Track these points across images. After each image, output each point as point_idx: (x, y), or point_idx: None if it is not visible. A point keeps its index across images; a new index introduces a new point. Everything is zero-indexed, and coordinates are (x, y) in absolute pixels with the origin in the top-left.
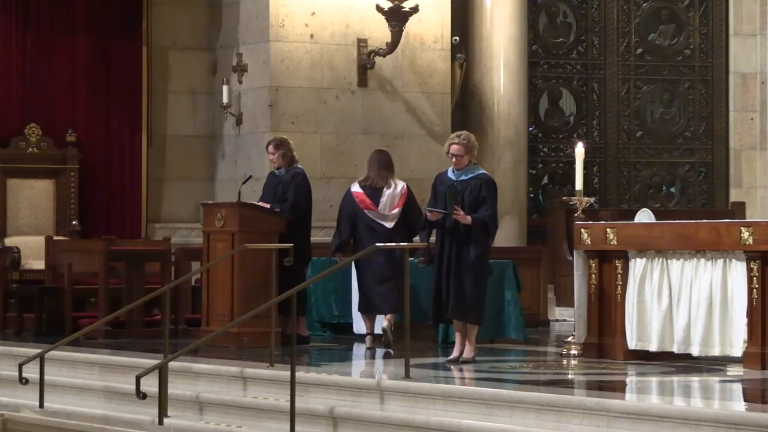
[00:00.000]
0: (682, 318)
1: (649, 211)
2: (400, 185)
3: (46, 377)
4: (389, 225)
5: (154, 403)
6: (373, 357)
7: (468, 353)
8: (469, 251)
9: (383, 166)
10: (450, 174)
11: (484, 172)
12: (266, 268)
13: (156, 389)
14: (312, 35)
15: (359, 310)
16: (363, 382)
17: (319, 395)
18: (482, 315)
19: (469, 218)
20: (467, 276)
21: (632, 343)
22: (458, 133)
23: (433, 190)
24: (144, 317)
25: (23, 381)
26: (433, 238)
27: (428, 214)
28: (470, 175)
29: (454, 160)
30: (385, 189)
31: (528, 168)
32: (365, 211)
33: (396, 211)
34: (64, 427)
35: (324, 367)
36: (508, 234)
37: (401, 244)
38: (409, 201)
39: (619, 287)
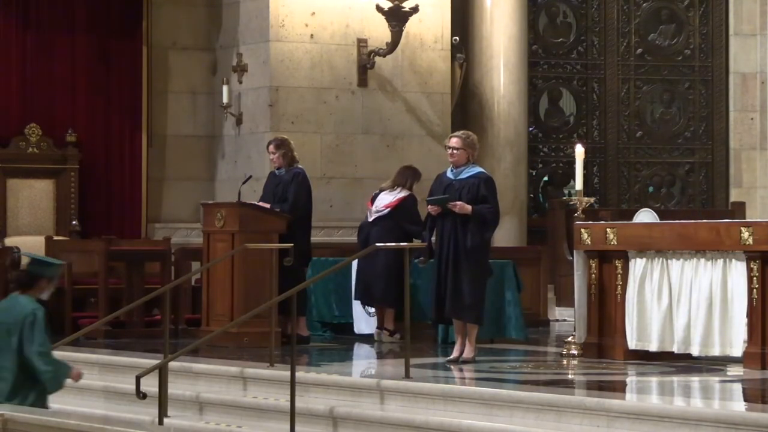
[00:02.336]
0: (682, 318)
1: (651, 210)
2: (402, 191)
3: None
4: (370, 219)
5: (154, 403)
6: (381, 351)
7: (468, 353)
8: (466, 243)
9: (399, 175)
10: (449, 174)
11: (482, 170)
12: (266, 268)
13: (156, 389)
14: (312, 35)
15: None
16: (363, 382)
17: (319, 395)
18: (481, 314)
19: (469, 207)
20: (465, 274)
21: (632, 343)
22: (460, 131)
23: (431, 190)
24: (144, 317)
25: None
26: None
27: (429, 208)
28: (468, 174)
29: (450, 152)
30: (386, 192)
31: (528, 168)
32: (367, 210)
33: (382, 208)
34: (64, 427)
35: (324, 367)
36: (508, 234)
37: (401, 244)
38: (401, 204)
39: (619, 287)
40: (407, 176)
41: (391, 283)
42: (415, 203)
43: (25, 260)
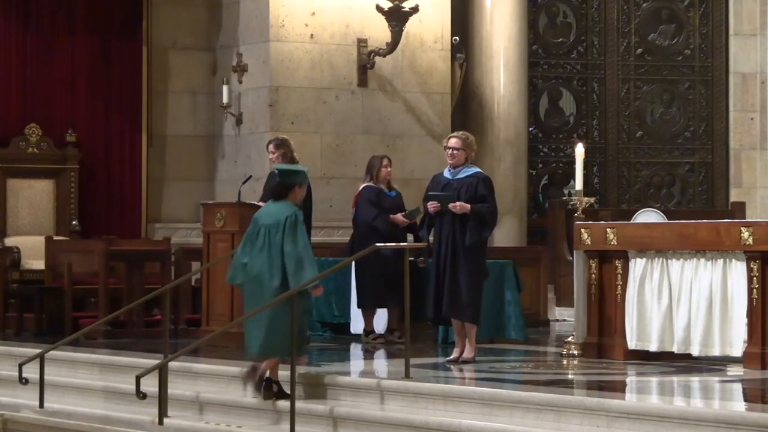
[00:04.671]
0: (682, 318)
1: (657, 210)
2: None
3: (46, 377)
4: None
5: (154, 403)
6: (380, 351)
7: (468, 353)
8: (464, 242)
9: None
10: (446, 174)
11: (480, 170)
12: None
13: (156, 389)
14: (312, 35)
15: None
16: (363, 382)
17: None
18: (478, 314)
19: (468, 206)
20: (462, 273)
21: (632, 343)
22: (458, 131)
23: (428, 190)
24: (144, 317)
25: (23, 381)
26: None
27: (429, 205)
28: (466, 174)
29: (450, 153)
30: None
31: (528, 168)
32: None
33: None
34: (64, 427)
35: (324, 367)
36: (508, 234)
37: (401, 244)
38: (357, 201)
39: (619, 287)
40: (365, 173)
41: (378, 284)
42: (369, 192)
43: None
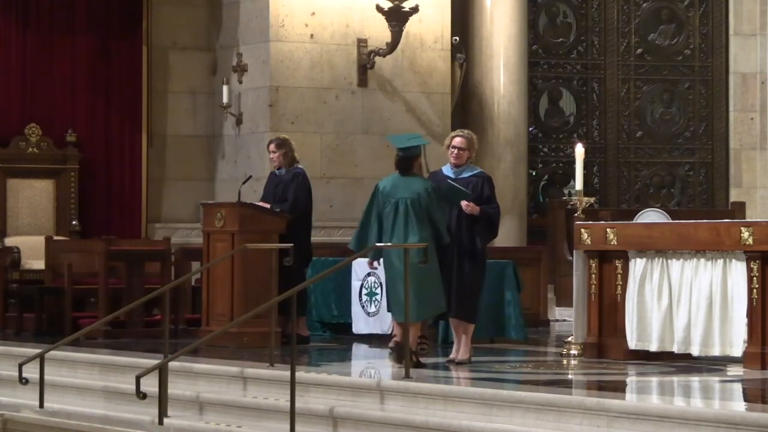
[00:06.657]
0: (682, 318)
1: (660, 210)
2: None
3: (46, 377)
4: None
5: (154, 403)
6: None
7: (463, 354)
8: (474, 244)
9: None
10: (447, 172)
11: (482, 170)
12: (266, 268)
13: (156, 389)
14: (312, 35)
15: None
16: (363, 382)
17: (319, 395)
18: (477, 313)
19: (478, 208)
20: (469, 274)
21: (632, 343)
22: (461, 129)
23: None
24: (144, 317)
25: (23, 381)
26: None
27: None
28: (470, 173)
29: (455, 153)
30: None
31: (528, 168)
32: None
33: None
34: (64, 427)
35: (324, 367)
36: (508, 234)
37: (401, 244)
38: None
39: (619, 287)
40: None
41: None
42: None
43: None
